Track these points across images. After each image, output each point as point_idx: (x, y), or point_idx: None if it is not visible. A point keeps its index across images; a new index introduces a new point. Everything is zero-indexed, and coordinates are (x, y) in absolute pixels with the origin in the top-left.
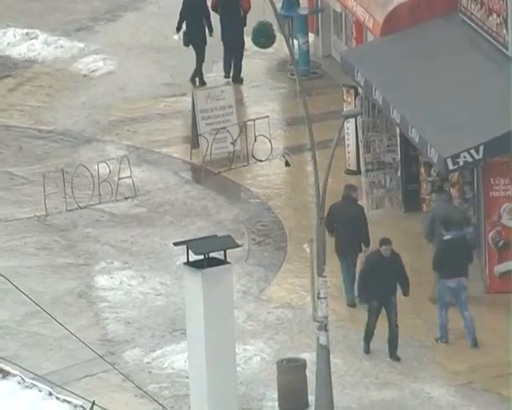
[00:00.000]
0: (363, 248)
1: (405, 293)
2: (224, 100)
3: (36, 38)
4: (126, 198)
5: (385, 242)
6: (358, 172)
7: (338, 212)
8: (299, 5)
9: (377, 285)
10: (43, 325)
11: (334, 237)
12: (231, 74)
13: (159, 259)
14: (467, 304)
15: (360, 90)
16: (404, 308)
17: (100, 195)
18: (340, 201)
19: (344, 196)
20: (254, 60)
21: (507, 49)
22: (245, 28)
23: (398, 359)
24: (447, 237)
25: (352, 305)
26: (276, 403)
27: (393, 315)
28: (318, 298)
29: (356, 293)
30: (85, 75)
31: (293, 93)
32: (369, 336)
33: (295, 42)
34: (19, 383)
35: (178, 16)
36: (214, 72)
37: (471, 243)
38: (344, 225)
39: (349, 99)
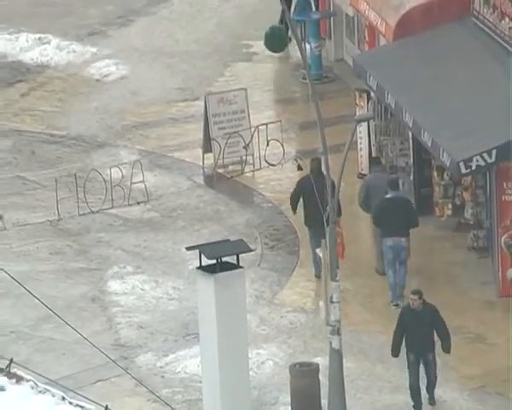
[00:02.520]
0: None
1: (447, 349)
2: (236, 104)
3: (48, 42)
4: (139, 203)
5: (413, 291)
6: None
7: (307, 186)
8: (311, 9)
9: (412, 340)
10: (55, 329)
11: (295, 212)
12: None
13: (171, 263)
14: (405, 263)
15: (372, 94)
16: None
17: (112, 199)
18: (309, 174)
19: (312, 170)
20: (267, 64)
21: None
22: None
23: (434, 403)
24: (388, 195)
25: (318, 276)
26: (289, 407)
27: (432, 373)
28: (331, 302)
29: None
30: (98, 80)
31: (305, 97)
32: (414, 393)
33: (308, 46)
34: (32, 388)
35: None
36: None
37: (412, 205)
38: (313, 198)
39: (361, 103)
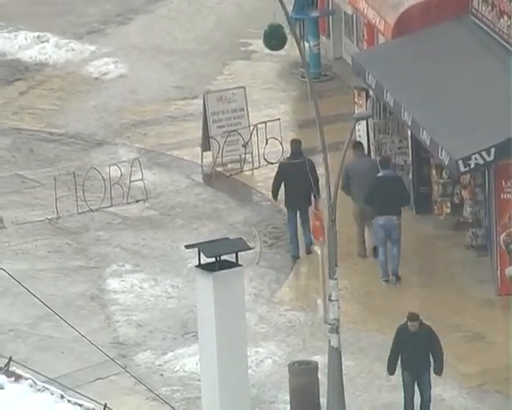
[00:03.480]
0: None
1: (438, 371)
2: (235, 102)
3: (47, 41)
4: (138, 201)
5: (411, 318)
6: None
7: (288, 168)
8: (310, 7)
9: (408, 359)
10: (54, 328)
11: (277, 199)
12: None
13: (170, 261)
14: (398, 241)
15: (371, 92)
16: (415, 311)
17: (111, 198)
18: (289, 158)
19: (292, 152)
20: (265, 62)
21: None
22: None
23: None
24: (380, 174)
25: (295, 257)
26: (288, 406)
27: (427, 394)
28: (330, 300)
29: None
30: (96, 78)
31: (304, 95)
32: (408, 407)
33: (306, 44)
34: (31, 386)
35: None
36: None
37: (403, 183)
38: (294, 180)
39: (360, 101)
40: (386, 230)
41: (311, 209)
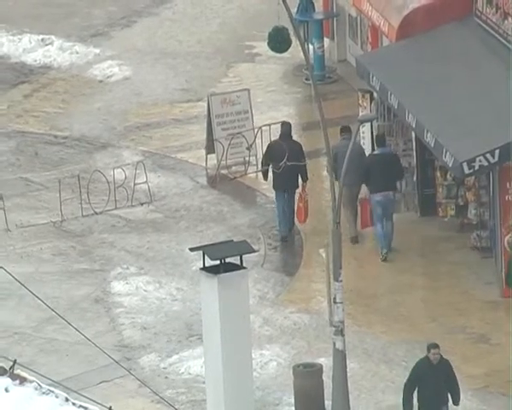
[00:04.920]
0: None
1: (456, 402)
2: (239, 105)
3: (51, 43)
4: (142, 204)
5: (433, 346)
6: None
7: (276, 150)
8: (314, 10)
9: (427, 395)
10: (59, 330)
11: (266, 179)
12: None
13: (175, 264)
14: (392, 215)
15: (375, 94)
16: (419, 313)
17: (116, 200)
18: (278, 139)
19: (281, 135)
20: (269, 65)
21: None
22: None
23: None
24: (375, 151)
25: (284, 238)
26: (293, 408)
27: None
28: (334, 303)
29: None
30: (101, 81)
31: (308, 98)
32: None
33: (310, 47)
34: (35, 389)
35: None
36: None
37: (398, 159)
38: (282, 162)
39: (364, 104)
40: (384, 205)
41: (298, 191)
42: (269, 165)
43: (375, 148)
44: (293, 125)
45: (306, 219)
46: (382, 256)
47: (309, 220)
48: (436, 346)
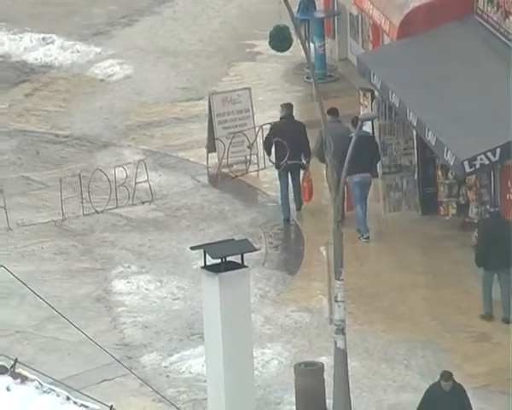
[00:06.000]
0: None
1: None
2: (240, 104)
3: (52, 42)
4: (143, 202)
5: (445, 377)
6: (376, 175)
7: (279, 130)
8: (315, 8)
9: None
10: (60, 329)
11: (271, 156)
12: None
13: (176, 263)
14: (366, 198)
15: (377, 93)
16: (421, 311)
17: (117, 199)
18: (281, 120)
19: (284, 116)
20: (271, 63)
21: None
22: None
23: None
24: (352, 134)
25: (287, 220)
26: (294, 407)
27: None
28: (335, 301)
29: None
30: (102, 80)
31: (309, 96)
32: None
33: (312, 45)
34: (37, 388)
35: None
36: None
37: (375, 141)
38: (285, 141)
39: (366, 102)
40: (361, 186)
41: (302, 172)
42: (271, 145)
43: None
44: None
45: (311, 199)
46: (364, 240)
47: (310, 219)
48: (449, 378)
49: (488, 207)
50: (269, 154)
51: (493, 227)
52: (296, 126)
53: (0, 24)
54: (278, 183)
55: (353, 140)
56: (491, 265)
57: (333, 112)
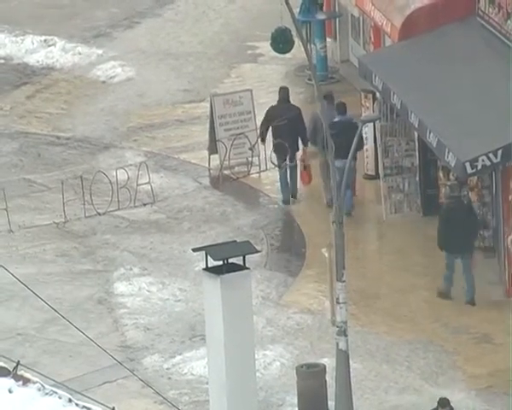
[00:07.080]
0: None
1: None
2: (242, 105)
3: (54, 44)
4: (145, 204)
5: (442, 404)
6: (377, 176)
7: (276, 114)
8: (316, 10)
9: None
10: (62, 331)
11: (264, 141)
12: None
13: (178, 265)
14: (350, 185)
15: (378, 94)
16: (422, 313)
17: (118, 201)
18: (277, 104)
19: (280, 100)
20: (272, 65)
21: None
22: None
23: None
24: (336, 119)
25: (286, 202)
26: (296, 409)
27: None
28: (337, 303)
29: None
30: (104, 82)
31: (310, 98)
32: None
33: (313, 47)
34: (39, 390)
35: None
36: None
37: (358, 127)
38: (281, 126)
39: (367, 104)
40: (342, 172)
41: (299, 156)
42: (267, 129)
43: (336, 116)
44: None
45: (311, 181)
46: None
47: (312, 220)
48: (447, 404)
49: (448, 190)
50: (264, 138)
51: (452, 211)
52: (291, 110)
53: (2, 26)
54: (278, 173)
55: (336, 126)
56: (451, 248)
57: (327, 97)
